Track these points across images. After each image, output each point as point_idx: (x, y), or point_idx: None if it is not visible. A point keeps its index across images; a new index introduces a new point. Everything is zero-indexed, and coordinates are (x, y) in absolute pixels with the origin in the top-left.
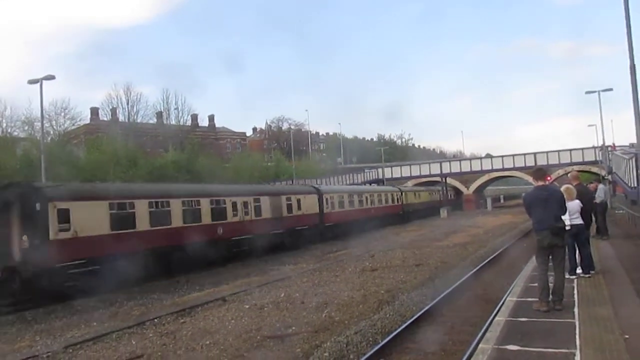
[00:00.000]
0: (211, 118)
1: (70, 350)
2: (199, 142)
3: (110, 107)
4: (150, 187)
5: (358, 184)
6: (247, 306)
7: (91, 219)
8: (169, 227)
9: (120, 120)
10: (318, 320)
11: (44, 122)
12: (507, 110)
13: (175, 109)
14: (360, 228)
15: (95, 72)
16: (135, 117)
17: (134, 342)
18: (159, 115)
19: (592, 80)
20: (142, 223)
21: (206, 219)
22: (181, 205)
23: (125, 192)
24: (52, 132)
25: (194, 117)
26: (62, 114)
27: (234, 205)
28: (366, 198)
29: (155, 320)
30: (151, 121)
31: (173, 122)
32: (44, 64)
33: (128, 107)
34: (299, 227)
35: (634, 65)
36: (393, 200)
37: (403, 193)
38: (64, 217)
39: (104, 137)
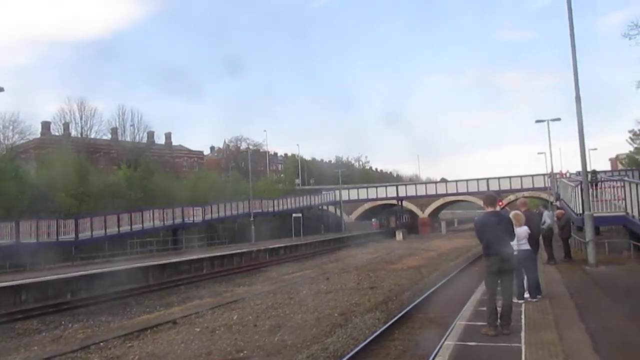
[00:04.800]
0: (168, 136)
1: None
2: (155, 160)
3: (63, 122)
4: None
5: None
6: (198, 329)
7: None
8: None
9: (72, 135)
10: (270, 344)
11: None
12: (462, 137)
13: (131, 125)
14: None
15: (48, 86)
16: (88, 132)
17: None
18: (114, 131)
19: (543, 109)
20: None
21: None
22: None
23: None
24: None
25: (150, 135)
26: (11, 127)
27: None
28: None
29: (101, 344)
30: (105, 137)
31: (128, 139)
32: None
33: (81, 122)
34: None
35: (579, 97)
36: None
37: None
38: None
39: (54, 153)
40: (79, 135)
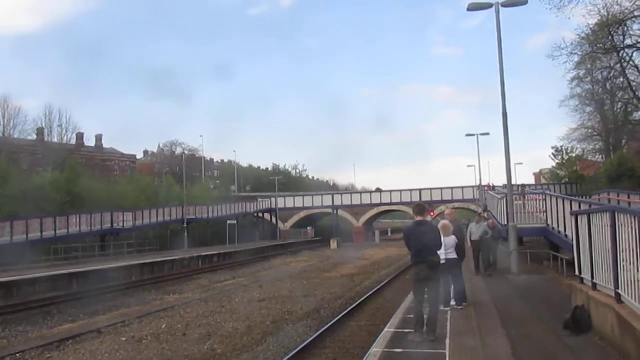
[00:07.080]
0: (98, 138)
1: None
2: (84, 163)
3: None
4: None
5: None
6: (124, 338)
7: None
8: None
9: None
10: (199, 353)
11: None
12: (396, 148)
13: (58, 126)
14: None
15: None
16: (11, 131)
17: None
18: (40, 131)
19: (473, 123)
20: None
21: None
22: None
23: None
24: None
25: (79, 136)
26: None
27: None
28: None
29: (17, 355)
30: (30, 137)
31: (55, 140)
32: None
33: (4, 121)
34: None
35: (505, 113)
36: None
37: None
38: None
39: None
40: (1, 135)
